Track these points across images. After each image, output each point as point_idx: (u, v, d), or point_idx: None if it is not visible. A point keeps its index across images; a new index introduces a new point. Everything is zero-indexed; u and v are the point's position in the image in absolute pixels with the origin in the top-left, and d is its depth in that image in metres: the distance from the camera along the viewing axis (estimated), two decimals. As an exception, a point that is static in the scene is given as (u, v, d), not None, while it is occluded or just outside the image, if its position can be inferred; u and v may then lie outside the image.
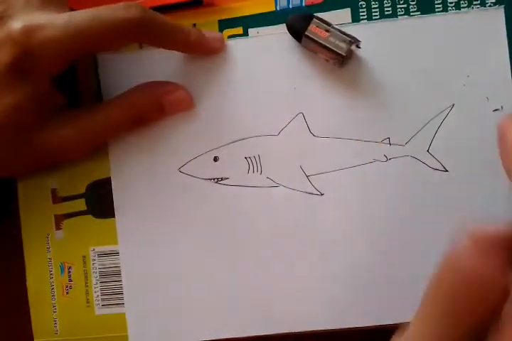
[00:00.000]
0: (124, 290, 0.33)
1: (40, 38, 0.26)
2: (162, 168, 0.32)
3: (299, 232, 0.31)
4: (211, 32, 0.31)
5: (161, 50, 0.30)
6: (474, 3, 0.31)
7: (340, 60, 0.30)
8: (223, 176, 0.32)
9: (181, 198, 0.32)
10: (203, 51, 0.31)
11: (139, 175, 0.32)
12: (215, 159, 0.32)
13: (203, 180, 0.32)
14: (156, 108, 0.31)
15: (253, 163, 0.32)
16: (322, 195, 0.31)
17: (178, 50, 0.31)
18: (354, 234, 0.31)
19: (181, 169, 0.32)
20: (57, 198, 0.33)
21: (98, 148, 0.32)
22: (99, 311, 0.33)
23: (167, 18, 0.29)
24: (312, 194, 0.31)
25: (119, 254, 0.33)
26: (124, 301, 0.33)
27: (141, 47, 0.33)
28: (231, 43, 0.32)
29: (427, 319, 0.19)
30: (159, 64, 0.32)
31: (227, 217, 0.32)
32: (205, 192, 0.32)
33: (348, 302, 0.31)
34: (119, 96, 0.31)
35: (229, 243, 0.32)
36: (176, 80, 0.32)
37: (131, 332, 0.32)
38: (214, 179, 0.32)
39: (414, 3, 0.31)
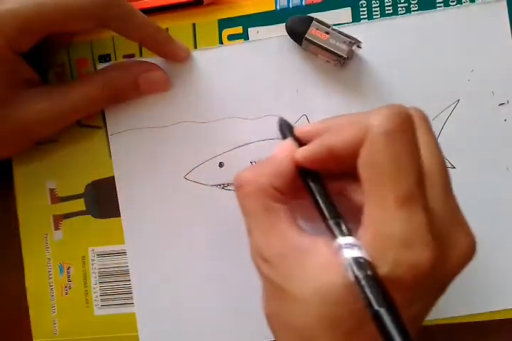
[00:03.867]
0: (133, 291, 0.32)
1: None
2: (168, 176, 0.32)
3: None
4: (180, 41, 0.31)
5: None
6: (477, 1, 0.30)
7: (341, 61, 0.30)
8: (229, 182, 0.32)
9: (188, 205, 0.32)
10: (168, 53, 0.31)
11: (145, 185, 0.32)
12: (221, 165, 0.32)
13: (209, 187, 0.32)
14: (131, 86, 0.31)
15: None
16: None
17: (144, 45, 0.31)
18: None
19: (187, 176, 0.32)
20: (55, 198, 0.33)
21: (72, 122, 0.32)
22: (98, 311, 0.33)
23: (140, 12, 0.29)
24: None
25: (127, 257, 0.33)
26: (134, 301, 0.32)
27: (140, 50, 0.33)
28: (231, 48, 0.32)
29: None
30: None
31: (234, 221, 0.31)
32: (212, 198, 0.32)
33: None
34: (95, 72, 0.32)
35: (237, 246, 0.31)
36: (177, 86, 0.32)
37: (141, 332, 0.32)
38: (220, 185, 0.32)
39: (415, 1, 0.31)
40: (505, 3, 0.30)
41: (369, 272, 0.20)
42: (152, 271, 0.32)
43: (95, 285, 0.33)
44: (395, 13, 0.31)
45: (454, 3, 0.31)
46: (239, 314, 0.32)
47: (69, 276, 0.33)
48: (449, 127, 0.31)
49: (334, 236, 0.22)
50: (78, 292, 0.33)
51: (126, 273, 0.33)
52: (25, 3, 0.27)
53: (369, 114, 0.22)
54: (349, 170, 0.23)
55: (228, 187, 0.32)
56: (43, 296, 0.33)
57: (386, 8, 0.31)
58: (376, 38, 0.31)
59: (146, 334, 0.32)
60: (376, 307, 0.19)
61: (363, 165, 0.22)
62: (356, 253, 0.21)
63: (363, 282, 0.20)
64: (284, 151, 0.25)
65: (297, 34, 0.30)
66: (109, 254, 0.33)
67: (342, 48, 0.29)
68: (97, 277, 0.33)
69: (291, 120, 0.31)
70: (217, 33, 0.32)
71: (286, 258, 0.23)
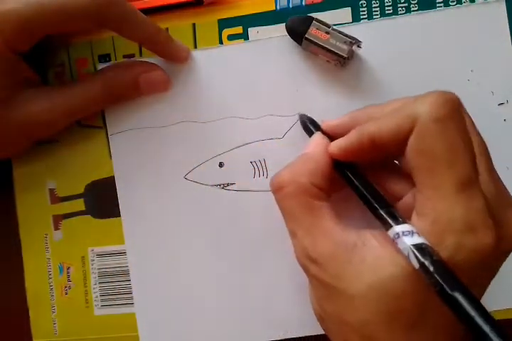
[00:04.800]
0: (133, 290, 0.32)
1: (0, 11, 0.27)
2: (168, 176, 0.32)
3: None
4: (180, 41, 0.31)
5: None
6: (477, 1, 0.30)
7: (341, 61, 0.30)
8: (229, 182, 0.32)
9: (188, 205, 0.32)
10: (168, 53, 0.31)
11: (145, 185, 0.32)
12: (220, 165, 0.32)
13: (209, 187, 0.32)
14: (132, 86, 0.31)
15: (258, 167, 0.32)
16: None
17: (144, 45, 0.31)
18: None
19: (187, 176, 0.32)
20: (55, 198, 0.33)
21: (72, 122, 0.32)
22: (98, 311, 0.33)
23: (140, 12, 0.29)
24: None
25: (127, 257, 0.33)
26: (134, 301, 0.32)
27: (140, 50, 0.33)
28: (231, 48, 0.32)
29: None
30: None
31: (235, 221, 0.32)
32: (212, 198, 0.32)
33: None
34: (95, 72, 0.32)
35: (238, 246, 0.32)
36: (177, 86, 0.32)
37: (141, 332, 0.32)
38: (220, 185, 0.32)
39: (415, 2, 0.31)
40: (504, 3, 0.30)
41: (435, 257, 0.20)
42: (152, 270, 0.32)
43: (95, 286, 0.33)
44: (395, 13, 0.31)
45: (454, 3, 0.31)
46: (239, 314, 0.32)
47: (69, 276, 0.33)
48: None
49: (387, 226, 0.22)
50: (78, 292, 0.33)
51: (126, 273, 0.33)
52: (25, 3, 0.27)
53: (414, 102, 0.22)
54: (383, 160, 0.23)
55: (228, 187, 0.32)
56: (42, 296, 0.33)
57: (386, 8, 0.31)
58: (376, 38, 0.31)
59: (146, 334, 0.32)
60: (450, 291, 0.19)
61: (414, 153, 0.22)
62: (417, 239, 0.21)
63: (432, 268, 0.20)
64: (317, 146, 0.25)
65: (297, 34, 0.30)
66: (108, 254, 0.33)
67: (342, 48, 0.29)
68: (97, 277, 0.33)
69: (291, 120, 0.31)
70: (217, 33, 0.32)
71: (335, 256, 0.22)
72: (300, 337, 0.31)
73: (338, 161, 0.25)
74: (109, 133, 0.33)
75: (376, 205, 0.23)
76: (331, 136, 0.26)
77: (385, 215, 0.22)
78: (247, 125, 0.32)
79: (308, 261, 0.23)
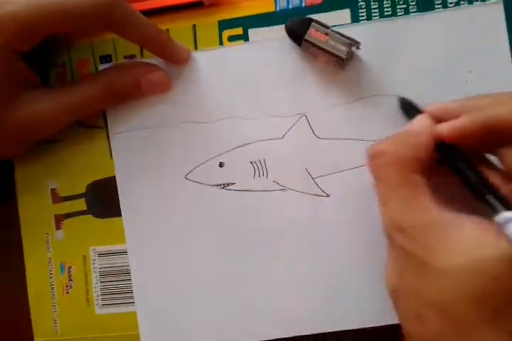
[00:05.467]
0: (134, 290, 0.33)
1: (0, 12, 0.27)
2: (168, 176, 0.32)
3: (307, 233, 0.31)
4: (180, 42, 0.32)
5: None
6: (474, 3, 0.31)
7: (340, 62, 0.30)
8: (229, 182, 0.32)
9: (189, 205, 0.32)
10: (169, 55, 0.31)
11: (146, 185, 0.33)
12: (221, 165, 0.32)
13: (209, 187, 0.32)
14: (133, 86, 0.31)
15: (258, 167, 0.32)
16: (328, 196, 0.31)
17: (145, 47, 0.32)
18: (360, 234, 0.31)
19: (187, 176, 0.32)
20: (57, 198, 0.33)
21: (72, 122, 0.32)
22: (99, 311, 0.33)
23: (140, 13, 0.29)
24: (319, 196, 0.31)
25: (128, 256, 0.33)
26: (135, 300, 0.33)
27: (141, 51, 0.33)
28: (231, 49, 0.32)
29: None
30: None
31: (235, 222, 0.32)
32: (212, 198, 0.32)
33: (353, 303, 0.31)
34: (96, 73, 0.32)
35: (238, 245, 0.32)
36: (178, 87, 0.32)
37: (142, 330, 0.33)
38: (220, 185, 0.32)
39: (413, 3, 0.31)
40: (501, 5, 0.30)
41: None
42: (153, 270, 0.32)
43: (96, 285, 0.33)
44: (394, 14, 0.31)
45: (453, 4, 0.31)
46: (240, 313, 0.32)
47: (70, 276, 0.33)
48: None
49: (495, 212, 0.22)
50: (79, 291, 0.33)
51: (127, 272, 0.33)
52: (25, 5, 0.27)
53: None
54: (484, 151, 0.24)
55: (229, 187, 0.32)
56: (44, 295, 0.33)
57: (385, 9, 0.31)
58: (375, 39, 0.31)
59: (147, 333, 0.32)
60: None
61: None
62: None
63: None
64: (422, 124, 0.25)
65: (297, 35, 0.30)
66: (110, 254, 0.33)
67: (341, 49, 0.29)
68: (98, 276, 0.33)
69: (291, 120, 0.32)
70: (218, 34, 0.32)
71: (428, 229, 0.22)
72: (302, 336, 0.31)
73: (443, 143, 0.24)
74: (110, 134, 0.33)
75: (485, 190, 0.23)
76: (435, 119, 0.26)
77: (494, 200, 0.22)
78: (247, 125, 0.32)
79: (395, 231, 0.23)
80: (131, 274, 0.33)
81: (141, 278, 0.33)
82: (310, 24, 0.30)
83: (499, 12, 0.30)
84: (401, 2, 0.31)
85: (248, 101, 0.32)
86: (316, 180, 0.31)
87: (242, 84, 0.32)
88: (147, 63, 0.32)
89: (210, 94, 0.32)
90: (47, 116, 0.29)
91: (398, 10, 0.31)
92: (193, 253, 0.32)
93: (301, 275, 0.31)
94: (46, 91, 0.30)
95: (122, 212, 0.33)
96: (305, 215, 0.31)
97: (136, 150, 0.33)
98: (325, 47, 0.29)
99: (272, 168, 0.32)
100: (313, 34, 0.30)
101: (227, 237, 0.32)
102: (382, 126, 0.31)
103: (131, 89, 0.31)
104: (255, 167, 0.32)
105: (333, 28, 0.30)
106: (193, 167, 0.32)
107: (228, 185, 0.32)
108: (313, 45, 0.30)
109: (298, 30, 0.30)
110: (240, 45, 0.32)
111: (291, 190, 0.32)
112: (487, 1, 0.31)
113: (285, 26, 0.31)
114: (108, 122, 0.33)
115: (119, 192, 0.33)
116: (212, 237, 0.32)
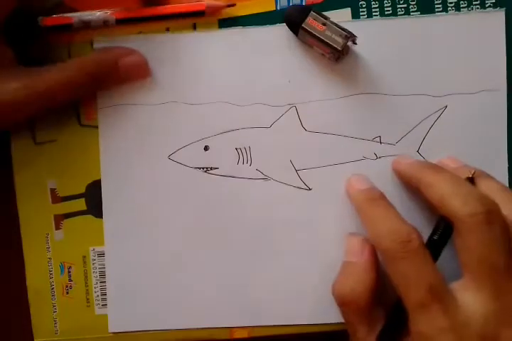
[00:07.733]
0: (106, 266, 0.33)
1: None
2: (152, 154, 0.32)
3: (286, 225, 0.32)
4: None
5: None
6: (474, 3, 0.31)
7: (336, 54, 0.30)
8: (212, 166, 0.32)
9: (169, 185, 0.32)
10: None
11: (128, 160, 0.32)
12: (206, 148, 0.32)
13: (192, 169, 0.32)
14: (111, 69, 0.31)
15: (243, 154, 0.32)
16: (310, 189, 0.32)
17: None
18: (338, 229, 0.31)
19: (171, 156, 0.32)
20: (56, 198, 0.33)
21: (52, 107, 0.30)
22: (99, 311, 0.33)
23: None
24: (300, 188, 0.32)
25: (104, 231, 0.33)
26: (106, 279, 0.33)
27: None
28: (229, 33, 0.32)
29: None
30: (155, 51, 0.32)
31: (215, 206, 0.32)
32: (193, 181, 0.32)
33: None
34: (74, 57, 0.32)
35: (216, 233, 0.32)
36: (171, 66, 0.32)
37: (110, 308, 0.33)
38: (203, 168, 0.32)
39: (414, 3, 0.31)
40: (503, 13, 0.31)
41: None
42: (125, 246, 0.33)
43: (96, 285, 0.33)
44: (394, 13, 0.31)
45: (452, 4, 0.31)
46: (222, 302, 0.32)
47: (70, 276, 0.33)
48: (434, 132, 0.31)
49: None
50: (79, 291, 0.33)
51: (128, 272, 0.33)
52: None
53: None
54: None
55: (211, 171, 0.32)
56: (43, 296, 0.33)
57: (385, 8, 0.31)
58: (372, 37, 0.31)
59: (114, 311, 0.33)
60: None
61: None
62: None
63: None
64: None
65: (294, 23, 0.30)
66: (109, 254, 0.33)
67: (337, 41, 0.29)
68: (98, 276, 0.33)
69: (280, 110, 0.32)
70: (218, 33, 0.32)
71: None
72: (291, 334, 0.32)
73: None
74: (98, 107, 0.32)
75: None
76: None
77: None
78: (236, 111, 0.32)
79: None
80: (105, 245, 0.33)
81: (114, 253, 0.33)
82: (309, 13, 0.29)
83: (500, 20, 0.31)
84: (401, 2, 0.31)
85: (240, 87, 0.32)
86: (299, 172, 0.32)
87: (235, 68, 0.32)
88: (124, 47, 0.31)
89: (202, 76, 0.32)
90: (21, 95, 0.28)
91: (399, 9, 0.31)
92: (167, 234, 0.32)
93: (286, 266, 0.32)
94: (23, 71, 0.29)
95: (102, 184, 0.32)
96: (285, 206, 0.32)
97: (123, 125, 0.32)
98: (321, 37, 0.29)
99: (257, 156, 0.32)
100: (310, 23, 0.29)
101: (204, 220, 0.32)
102: (370, 124, 0.32)
103: (108, 72, 0.31)
104: (240, 153, 0.32)
105: (332, 20, 0.30)
106: (178, 148, 0.32)
107: (211, 169, 0.32)
108: (310, 34, 0.29)
109: (296, 18, 0.30)
110: (238, 29, 0.32)
111: (273, 180, 0.32)
112: (487, 6, 0.31)
113: (284, 13, 0.31)
114: (97, 95, 0.32)
115: (101, 165, 0.32)
116: (190, 219, 0.32)
